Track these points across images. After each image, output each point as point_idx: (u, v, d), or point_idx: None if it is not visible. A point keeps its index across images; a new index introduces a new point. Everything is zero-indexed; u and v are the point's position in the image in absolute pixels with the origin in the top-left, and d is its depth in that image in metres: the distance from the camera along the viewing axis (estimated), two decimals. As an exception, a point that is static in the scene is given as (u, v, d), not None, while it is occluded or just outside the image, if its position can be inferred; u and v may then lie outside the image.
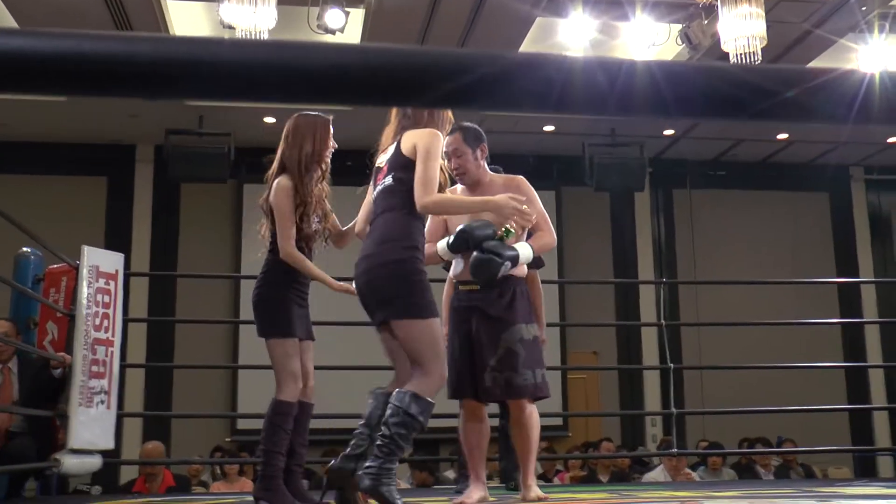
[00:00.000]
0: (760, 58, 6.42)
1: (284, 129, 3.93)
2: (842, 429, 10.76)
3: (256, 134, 10.41)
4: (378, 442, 3.27)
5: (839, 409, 10.14)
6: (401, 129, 3.55)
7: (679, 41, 8.17)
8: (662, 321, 6.53)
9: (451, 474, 8.19)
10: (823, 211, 12.12)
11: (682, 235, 11.84)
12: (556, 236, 4.02)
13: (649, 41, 8.01)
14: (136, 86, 0.81)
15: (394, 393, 3.32)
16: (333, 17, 7.52)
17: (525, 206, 3.60)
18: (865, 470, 10.19)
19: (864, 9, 7.99)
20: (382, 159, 3.59)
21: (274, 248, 3.84)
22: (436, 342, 3.33)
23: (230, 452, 8.92)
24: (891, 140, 11.01)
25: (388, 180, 3.45)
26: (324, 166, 3.90)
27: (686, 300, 11.09)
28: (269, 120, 10.24)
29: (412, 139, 3.43)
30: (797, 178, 11.81)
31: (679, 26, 8.13)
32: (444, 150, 3.98)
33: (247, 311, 10.18)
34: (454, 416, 4.94)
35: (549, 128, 10.67)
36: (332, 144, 3.92)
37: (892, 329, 11.10)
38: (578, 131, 10.47)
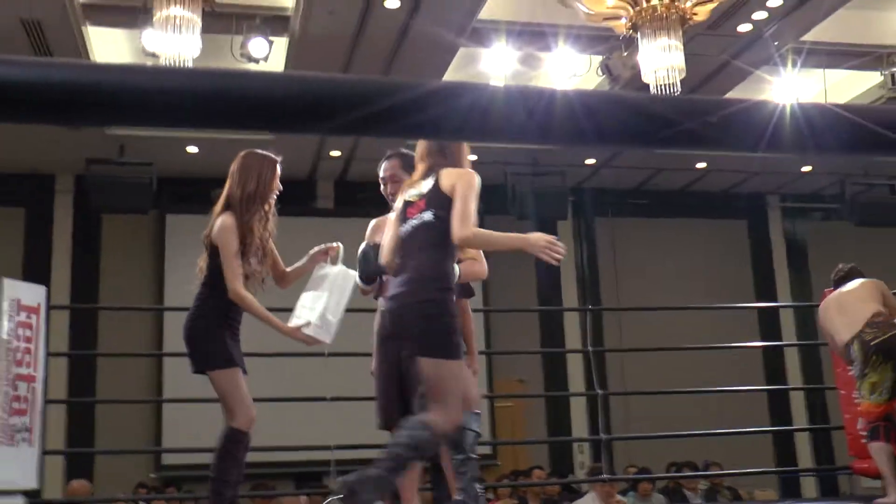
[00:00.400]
0: (679, 89, 6.59)
1: (232, 165, 3.92)
2: (766, 451, 10.97)
3: (179, 163, 10.30)
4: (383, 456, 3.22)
5: (762, 431, 10.34)
6: (436, 167, 3.55)
7: (600, 72, 8.34)
8: (589, 347, 6.58)
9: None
10: (742, 238, 12.42)
11: (604, 263, 12.02)
12: (486, 267, 4.03)
13: (570, 72, 8.17)
14: (54, 112, 0.81)
15: (410, 419, 3.36)
16: (257, 46, 7.50)
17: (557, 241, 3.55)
18: (790, 491, 10.40)
19: (776, 43, 8.26)
20: (413, 194, 3.54)
21: (209, 282, 3.81)
22: (459, 383, 3.33)
23: (154, 489, 8.72)
24: (804, 169, 11.36)
25: (428, 216, 3.42)
26: (267, 207, 3.89)
27: (610, 326, 11.23)
28: (192, 149, 10.14)
29: (452, 178, 3.46)
30: (716, 206, 12.10)
31: (600, 58, 8.30)
32: (381, 174, 4.02)
33: (171, 343, 10.03)
34: (382, 446, 4.92)
35: (471, 157, 10.74)
36: (278, 186, 3.92)
37: (811, 352, 11.38)
38: (500, 160, 10.57)
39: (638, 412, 10.38)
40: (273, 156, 3.95)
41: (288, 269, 4.06)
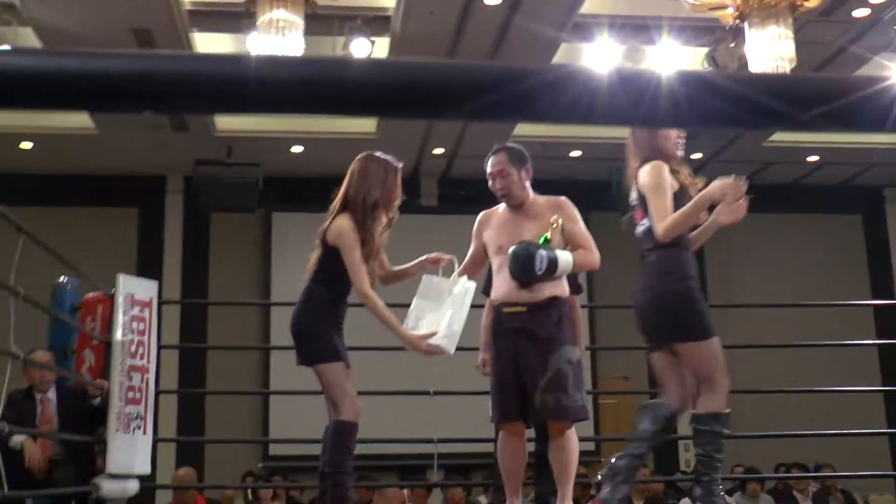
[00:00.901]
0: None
1: (353, 166, 3.95)
2: (882, 453, 10.58)
3: (285, 163, 10.51)
4: (699, 461, 3.89)
5: (878, 433, 9.97)
6: (641, 164, 3.81)
7: (705, 64, 8.17)
8: None
9: (483, 500, 8.15)
10: (857, 233, 12.00)
11: (712, 259, 11.76)
12: (599, 258, 4.02)
13: (675, 65, 8.02)
14: (159, 101, 0.83)
15: (692, 416, 3.85)
16: (359, 45, 7.60)
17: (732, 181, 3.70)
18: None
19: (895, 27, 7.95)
20: (633, 197, 3.88)
21: (317, 278, 3.87)
22: (718, 359, 3.81)
23: (261, 478, 8.93)
24: (921, 159, 10.91)
25: (646, 223, 3.80)
26: (390, 214, 3.94)
27: (718, 323, 10.96)
28: (297, 149, 10.34)
29: (642, 178, 3.76)
30: (829, 201, 11.72)
31: (705, 50, 8.14)
32: (489, 170, 4.03)
33: (278, 337, 10.27)
34: (488, 440, 4.93)
35: (575, 153, 10.68)
36: (400, 193, 3.96)
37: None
38: (604, 156, 10.47)
39: (746, 411, 10.13)
40: (395, 162, 3.96)
41: (395, 269, 4.09)
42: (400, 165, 3.99)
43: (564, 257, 3.81)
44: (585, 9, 7.76)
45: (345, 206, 3.86)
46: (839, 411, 9.21)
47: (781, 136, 10.39)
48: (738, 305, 10.67)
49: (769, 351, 9.39)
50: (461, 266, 4.09)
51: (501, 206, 4.04)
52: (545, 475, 4.65)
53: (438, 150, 10.44)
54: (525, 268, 3.75)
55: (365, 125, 9.82)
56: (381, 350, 5.25)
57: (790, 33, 6.26)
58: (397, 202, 3.95)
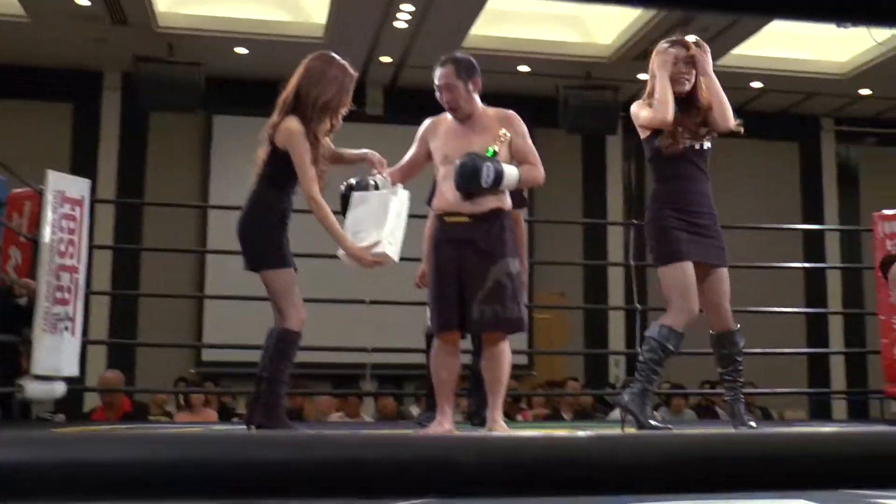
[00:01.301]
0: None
1: (308, 63, 3.82)
2: (800, 373, 10.94)
3: (228, 64, 10.27)
4: (637, 369, 4.06)
5: (797, 352, 10.28)
6: None
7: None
8: (631, 262, 6.56)
9: (415, 410, 8.27)
10: (793, 160, 12.18)
11: (651, 180, 11.87)
12: (543, 173, 4.01)
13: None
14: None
15: (651, 326, 4.09)
16: None
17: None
18: (821, 413, 10.39)
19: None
20: None
21: (266, 179, 3.79)
22: (684, 283, 3.99)
23: (194, 383, 8.94)
24: (863, 92, 11.04)
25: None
26: (336, 121, 3.85)
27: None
28: (242, 51, 10.09)
29: None
30: (768, 128, 11.83)
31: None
32: (436, 82, 3.98)
33: (215, 241, 10.13)
34: (421, 350, 4.97)
35: (523, 68, 10.60)
36: (350, 101, 3.86)
37: (854, 277, 11.25)
38: (552, 72, 10.42)
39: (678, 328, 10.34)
40: (351, 68, 3.86)
41: (342, 151, 4.03)
42: (356, 74, 3.90)
43: (510, 171, 3.83)
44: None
45: (295, 108, 3.75)
46: (764, 331, 9.46)
47: (727, 61, 10.41)
48: (672, 227, 10.80)
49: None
50: (397, 166, 4.08)
51: (449, 116, 4.01)
52: (480, 388, 4.73)
53: (386, 59, 10.28)
54: (471, 179, 3.75)
55: (312, 28, 9.60)
56: (318, 257, 5.22)
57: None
58: (346, 110, 3.86)
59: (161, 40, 9.67)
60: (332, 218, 3.78)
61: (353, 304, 6.34)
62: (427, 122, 4.10)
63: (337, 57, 3.85)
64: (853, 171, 12.30)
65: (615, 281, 11.12)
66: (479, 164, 3.73)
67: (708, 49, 4.13)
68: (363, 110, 10.88)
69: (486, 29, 9.91)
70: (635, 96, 11.23)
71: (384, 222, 3.85)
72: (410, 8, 9.03)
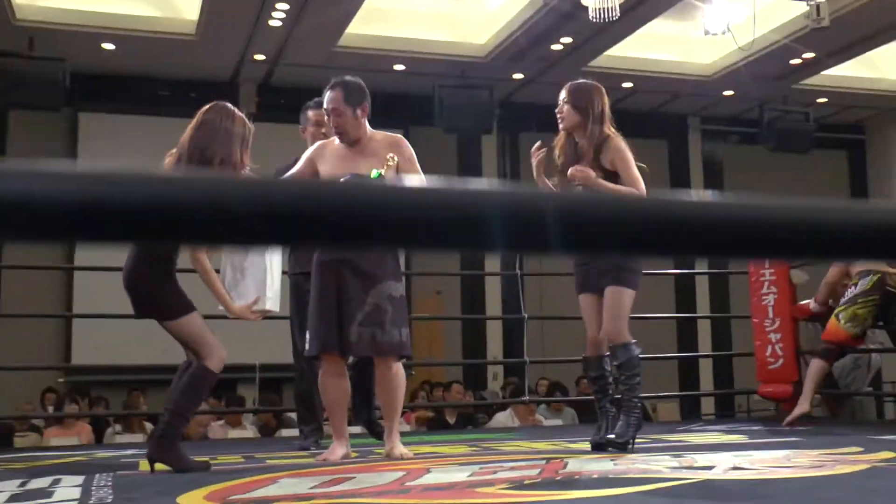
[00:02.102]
0: (617, 12, 6.57)
1: (205, 117, 3.62)
2: (672, 372, 11.33)
3: (94, 60, 9.88)
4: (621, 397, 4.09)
5: (670, 357, 10.60)
6: None
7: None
8: (518, 270, 6.60)
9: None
10: (662, 158, 12.55)
11: (528, 178, 12.03)
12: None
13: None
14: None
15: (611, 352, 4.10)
16: None
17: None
18: (691, 410, 10.73)
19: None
20: None
21: None
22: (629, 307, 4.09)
23: (63, 394, 8.60)
24: (726, 93, 11.47)
25: None
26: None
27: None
28: (108, 46, 9.73)
29: None
30: (639, 126, 12.15)
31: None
32: (325, 105, 3.93)
33: (82, 256, 9.61)
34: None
35: (399, 67, 10.57)
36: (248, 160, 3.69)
37: (721, 281, 11.71)
38: (428, 71, 10.43)
39: (553, 331, 10.55)
40: (250, 123, 3.68)
41: None
42: (253, 128, 3.72)
43: None
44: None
45: (190, 162, 3.57)
46: (638, 333, 9.75)
47: (600, 62, 10.66)
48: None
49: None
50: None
51: (334, 141, 3.98)
52: (366, 399, 4.71)
53: (260, 56, 10.08)
54: None
55: (183, 25, 9.32)
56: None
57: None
58: (247, 168, 3.67)
59: (21, 34, 9.21)
60: (216, 279, 3.67)
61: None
62: (316, 145, 4.07)
63: (235, 110, 3.71)
64: (718, 168, 12.78)
65: (492, 283, 11.23)
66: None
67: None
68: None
69: (363, 28, 9.83)
70: (510, 95, 11.46)
71: (265, 278, 3.79)
72: (285, 6, 8.88)
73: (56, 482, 3.44)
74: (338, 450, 3.91)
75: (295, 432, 7.40)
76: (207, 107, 3.68)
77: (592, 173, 3.97)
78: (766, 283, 6.04)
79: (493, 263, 11.18)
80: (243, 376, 8.17)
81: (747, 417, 6.36)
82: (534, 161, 4.20)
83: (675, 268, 10.71)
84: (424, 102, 10.38)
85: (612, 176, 4.11)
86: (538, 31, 9.76)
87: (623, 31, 9.86)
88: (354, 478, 3.15)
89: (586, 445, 4.24)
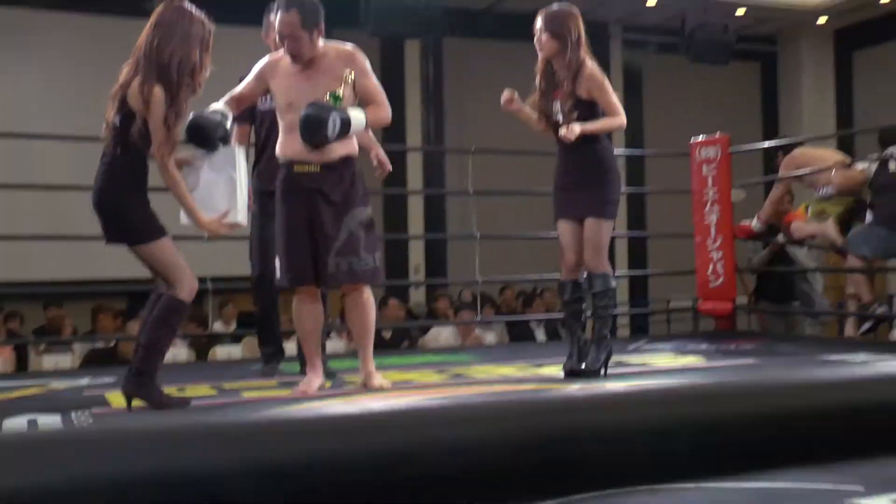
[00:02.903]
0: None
1: (159, 17, 3.43)
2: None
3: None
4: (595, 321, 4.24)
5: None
6: None
7: None
8: (470, 189, 6.50)
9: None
10: (582, 64, 12.54)
11: (451, 83, 11.93)
12: (390, 112, 3.89)
13: None
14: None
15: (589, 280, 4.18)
16: None
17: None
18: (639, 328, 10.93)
19: None
20: None
21: (122, 144, 3.44)
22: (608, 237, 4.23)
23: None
24: (650, 3, 11.49)
25: None
26: (200, 83, 3.49)
27: (453, 163, 11.10)
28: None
29: None
30: (561, 34, 12.10)
31: None
32: (277, 27, 3.76)
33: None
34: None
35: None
36: (209, 61, 3.51)
37: (638, 199, 11.96)
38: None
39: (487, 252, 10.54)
40: (208, 21, 3.50)
41: None
42: (213, 27, 3.54)
43: (357, 117, 3.70)
44: None
45: (152, 68, 3.38)
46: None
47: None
48: (459, 150, 10.87)
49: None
50: (228, 96, 3.84)
51: (286, 57, 3.80)
52: (271, 331, 4.72)
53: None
54: (316, 132, 3.61)
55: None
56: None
57: None
58: (207, 71, 3.51)
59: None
60: (185, 191, 3.53)
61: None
62: (266, 60, 3.90)
63: (193, 8, 3.50)
64: (637, 76, 12.87)
65: (414, 203, 11.19)
66: (324, 116, 3.59)
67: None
68: (152, 5, 10.16)
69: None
70: (436, -1, 11.18)
71: (235, 191, 3.69)
72: None
73: (32, 423, 3.34)
74: (314, 381, 3.89)
75: (227, 351, 7.38)
76: (162, 6, 3.49)
77: (578, 131, 4.00)
78: (709, 203, 6.18)
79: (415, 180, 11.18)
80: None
81: (692, 333, 6.52)
82: (512, 108, 4.26)
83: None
84: (349, 4, 10.07)
85: (588, 105, 4.12)
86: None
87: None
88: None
89: (555, 370, 4.32)
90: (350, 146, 3.79)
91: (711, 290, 6.20)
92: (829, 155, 6.06)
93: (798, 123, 12.92)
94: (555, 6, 4.28)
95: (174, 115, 3.42)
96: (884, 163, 5.41)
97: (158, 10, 3.46)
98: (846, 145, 12.44)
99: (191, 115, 3.59)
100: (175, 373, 4.58)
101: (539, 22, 4.20)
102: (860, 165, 5.69)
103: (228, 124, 3.70)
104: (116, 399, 3.71)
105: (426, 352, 6.33)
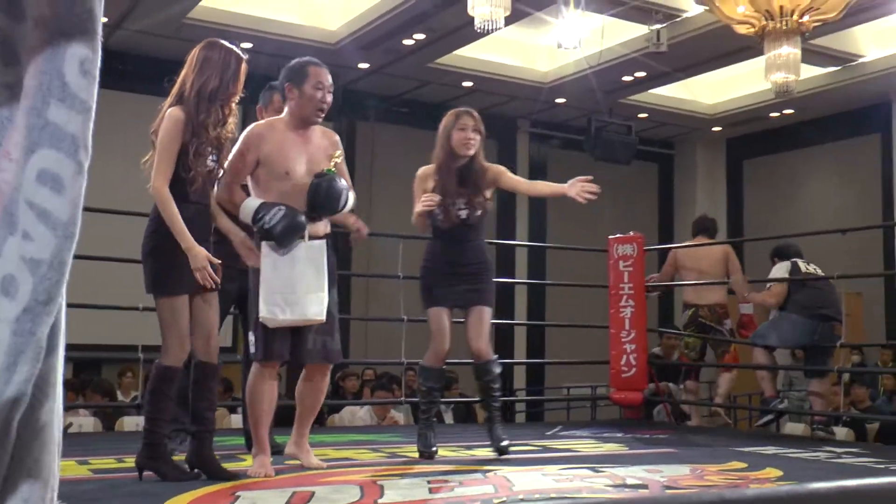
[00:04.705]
0: (502, 24, 6.81)
1: (192, 54, 3.54)
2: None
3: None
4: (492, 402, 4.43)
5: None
6: None
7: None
8: (399, 274, 6.63)
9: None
10: (491, 157, 12.91)
11: (361, 166, 12.11)
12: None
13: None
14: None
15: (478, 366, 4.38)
16: None
17: None
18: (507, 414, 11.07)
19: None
20: None
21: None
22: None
23: None
24: (559, 100, 11.99)
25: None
26: (227, 110, 3.54)
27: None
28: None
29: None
30: (473, 124, 12.48)
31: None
32: (328, 88, 3.93)
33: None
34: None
35: (246, 45, 10.29)
36: (241, 88, 3.59)
37: (539, 291, 12.25)
38: (275, 52, 10.26)
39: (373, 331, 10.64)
40: (240, 52, 3.61)
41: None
42: (246, 57, 3.65)
43: (352, 195, 3.84)
44: None
45: (179, 100, 3.48)
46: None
47: (447, 60, 10.88)
48: (379, 235, 11.03)
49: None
50: (228, 180, 3.77)
51: (279, 124, 3.85)
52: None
53: (102, 19, 9.55)
54: (333, 202, 3.69)
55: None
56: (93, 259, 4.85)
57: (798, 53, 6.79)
58: (236, 98, 3.59)
59: None
60: (175, 211, 3.41)
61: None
62: (255, 129, 3.86)
63: (223, 42, 3.62)
64: (542, 168, 13.32)
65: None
66: (340, 188, 3.69)
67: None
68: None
69: (214, 2, 9.60)
70: (355, 82, 11.45)
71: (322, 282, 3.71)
72: (138, -31, 8.48)
73: None
74: (264, 465, 3.70)
75: (136, 421, 7.19)
76: (202, 44, 3.61)
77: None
78: (625, 297, 6.46)
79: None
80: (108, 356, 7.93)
81: (594, 420, 6.75)
82: (428, 206, 4.32)
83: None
84: (268, 82, 10.23)
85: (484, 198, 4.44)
86: (393, 25, 9.83)
87: (474, 34, 10.08)
88: (314, 493, 3.17)
89: (486, 452, 4.43)
90: (327, 224, 3.86)
91: (623, 379, 6.45)
92: (715, 252, 6.49)
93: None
94: (466, 108, 4.62)
95: (197, 142, 3.44)
96: (795, 267, 5.88)
97: (199, 47, 3.59)
98: (736, 251, 13.16)
99: (278, 224, 3.60)
100: (80, 443, 4.51)
101: (471, 122, 4.42)
102: (775, 272, 6.13)
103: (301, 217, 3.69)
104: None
105: (342, 430, 6.34)
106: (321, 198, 3.67)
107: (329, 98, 3.87)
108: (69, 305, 1.00)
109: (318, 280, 3.68)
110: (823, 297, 5.87)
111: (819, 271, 6.01)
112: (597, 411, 8.45)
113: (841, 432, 6.01)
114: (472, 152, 4.40)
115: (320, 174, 3.71)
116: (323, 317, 3.72)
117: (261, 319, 3.65)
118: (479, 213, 4.38)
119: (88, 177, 0.93)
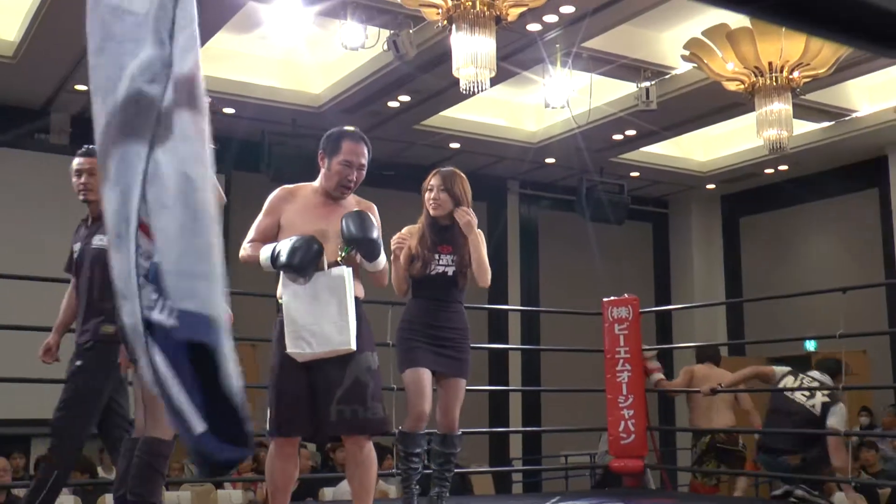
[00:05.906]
0: (487, 85, 6.64)
1: None
2: (482, 442, 11.37)
3: None
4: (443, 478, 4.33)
5: (482, 432, 10.58)
6: None
7: (385, 47, 8.15)
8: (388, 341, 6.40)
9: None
10: (481, 219, 12.70)
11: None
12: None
13: (359, 42, 7.88)
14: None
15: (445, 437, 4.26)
16: None
17: None
18: (503, 486, 10.73)
19: (557, 45, 8.45)
20: None
21: None
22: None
23: None
24: (548, 160, 11.81)
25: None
26: None
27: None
28: None
29: None
30: (462, 186, 12.29)
31: (388, 32, 8.11)
32: (359, 160, 3.81)
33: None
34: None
35: (229, 110, 10.16)
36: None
37: (534, 355, 11.99)
38: (257, 116, 10.10)
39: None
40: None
41: None
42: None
43: (382, 258, 3.69)
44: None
45: None
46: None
47: (431, 122, 10.72)
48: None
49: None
50: (253, 239, 3.64)
51: (308, 190, 3.74)
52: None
53: (81, 87, 9.38)
54: (365, 229, 3.53)
55: (2, 46, 8.54)
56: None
57: (493, 43, 6.43)
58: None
59: None
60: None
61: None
62: (279, 192, 3.76)
63: None
64: (533, 230, 13.11)
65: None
66: (378, 242, 3.57)
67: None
68: (47, 138, 9.89)
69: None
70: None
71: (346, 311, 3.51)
72: (118, 38, 8.31)
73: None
74: None
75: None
76: None
77: (475, 220, 4.30)
78: (621, 361, 6.17)
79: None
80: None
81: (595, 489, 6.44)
82: (402, 251, 4.27)
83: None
84: (252, 148, 10.06)
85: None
86: (377, 88, 9.67)
87: (460, 95, 9.92)
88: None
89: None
90: (359, 287, 3.66)
91: (622, 446, 6.13)
92: (727, 376, 6.46)
93: (689, 285, 13.32)
94: (446, 169, 4.53)
95: None
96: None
97: None
98: (736, 311, 12.90)
99: (295, 253, 3.43)
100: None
101: (436, 181, 4.39)
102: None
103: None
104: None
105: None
106: (354, 225, 3.50)
107: (356, 176, 3.75)
108: None
109: (341, 309, 3.47)
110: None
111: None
112: (596, 478, 8.16)
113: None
114: (439, 213, 4.31)
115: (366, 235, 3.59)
116: (350, 346, 3.47)
117: (289, 353, 3.49)
118: (459, 270, 4.25)
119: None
